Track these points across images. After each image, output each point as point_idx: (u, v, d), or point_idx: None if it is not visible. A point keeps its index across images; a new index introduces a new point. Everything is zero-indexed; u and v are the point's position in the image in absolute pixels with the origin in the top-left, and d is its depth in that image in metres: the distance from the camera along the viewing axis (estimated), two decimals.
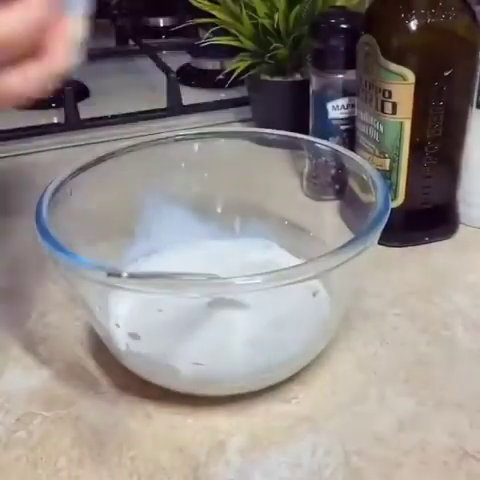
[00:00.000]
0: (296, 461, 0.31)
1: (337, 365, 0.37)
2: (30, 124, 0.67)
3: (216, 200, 0.45)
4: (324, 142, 0.41)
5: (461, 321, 0.40)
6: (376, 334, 0.39)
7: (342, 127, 0.51)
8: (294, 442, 0.32)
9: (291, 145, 0.43)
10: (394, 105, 0.43)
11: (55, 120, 0.69)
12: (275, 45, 0.56)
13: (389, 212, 0.33)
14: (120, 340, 0.35)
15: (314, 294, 0.37)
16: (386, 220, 0.33)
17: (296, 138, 0.42)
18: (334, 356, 0.38)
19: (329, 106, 0.50)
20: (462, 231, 0.49)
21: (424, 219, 0.47)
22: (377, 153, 0.45)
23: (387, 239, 0.45)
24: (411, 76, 0.42)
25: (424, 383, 0.36)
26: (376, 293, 0.43)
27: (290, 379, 0.36)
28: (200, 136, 0.44)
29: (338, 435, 0.33)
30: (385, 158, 0.45)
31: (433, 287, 0.43)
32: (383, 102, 0.43)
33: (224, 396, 0.35)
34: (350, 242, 0.31)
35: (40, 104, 0.74)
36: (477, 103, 0.45)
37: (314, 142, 0.41)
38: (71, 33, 0.27)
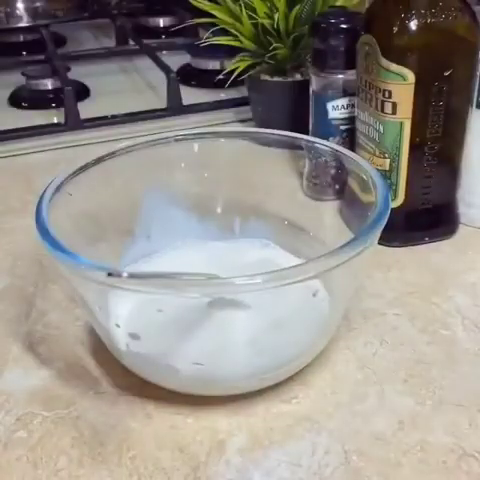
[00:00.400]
0: (296, 461, 0.31)
1: (337, 365, 0.37)
2: (30, 124, 0.67)
3: (216, 200, 0.45)
4: (324, 142, 0.41)
5: (461, 321, 0.40)
6: (376, 334, 0.39)
7: (342, 127, 0.51)
8: (294, 442, 0.33)
9: (291, 145, 0.43)
10: (394, 105, 0.43)
11: (55, 120, 0.69)
12: (275, 45, 0.56)
13: (389, 212, 0.33)
14: (120, 340, 0.35)
15: (314, 294, 0.37)
16: (386, 220, 0.33)
17: (296, 138, 0.42)
18: (334, 356, 0.38)
19: (329, 106, 0.50)
20: (462, 231, 0.49)
21: (424, 219, 0.47)
22: (377, 153, 0.45)
23: (387, 239, 0.46)
24: (411, 76, 0.42)
25: (424, 383, 0.36)
26: (376, 293, 0.43)
27: (290, 379, 0.36)
28: (200, 136, 0.44)
29: (338, 435, 0.33)
30: (385, 158, 0.45)
31: (433, 287, 0.43)
32: (383, 102, 0.43)
33: (224, 396, 0.35)
34: (350, 242, 0.31)
35: (40, 104, 0.74)
36: (477, 103, 0.45)
37: (314, 142, 0.41)
38: None
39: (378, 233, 0.32)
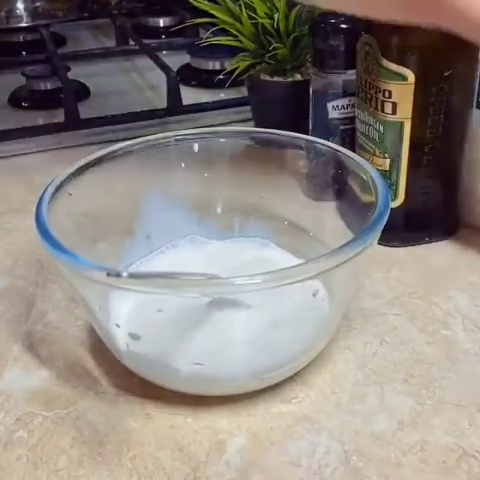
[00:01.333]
0: (296, 461, 0.31)
1: (337, 365, 0.37)
2: (30, 124, 0.67)
3: (216, 200, 0.45)
4: (324, 142, 0.41)
5: (461, 321, 0.40)
6: (376, 334, 0.39)
7: (342, 127, 0.51)
8: (294, 442, 0.33)
9: (291, 145, 0.43)
10: (394, 105, 0.43)
11: (55, 120, 0.69)
12: (275, 45, 0.56)
13: (389, 212, 0.33)
14: (120, 340, 0.35)
15: (314, 294, 0.37)
16: (386, 220, 0.33)
17: (296, 138, 0.42)
18: (334, 356, 0.38)
19: (329, 106, 0.50)
20: (462, 231, 0.49)
21: (424, 219, 0.47)
22: (377, 153, 0.45)
23: (387, 239, 0.46)
24: (411, 76, 0.42)
25: (424, 383, 0.36)
26: (376, 293, 0.43)
27: (290, 379, 0.36)
28: (200, 136, 0.44)
29: (338, 435, 0.33)
30: (385, 158, 0.45)
31: (433, 287, 0.43)
32: (383, 102, 0.43)
33: (224, 396, 0.35)
34: (350, 242, 0.31)
35: (40, 104, 0.74)
36: (477, 103, 0.45)
37: (314, 142, 0.41)
38: None
39: (378, 233, 0.32)
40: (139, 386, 0.36)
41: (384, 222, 0.32)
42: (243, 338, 0.35)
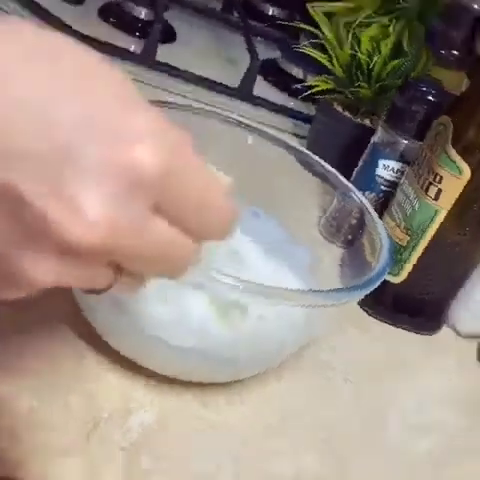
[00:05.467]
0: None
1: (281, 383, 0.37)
2: None
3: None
4: (358, 194, 0.41)
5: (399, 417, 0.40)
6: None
7: (383, 187, 0.51)
8: (197, 435, 0.33)
9: (329, 181, 0.43)
10: (439, 191, 0.43)
11: None
12: (361, 83, 0.56)
13: (377, 285, 0.33)
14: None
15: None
16: (372, 289, 0.33)
17: (337, 177, 0.42)
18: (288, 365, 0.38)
19: (381, 163, 0.50)
20: (441, 333, 0.49)
21: (415, 306, 0.47)
22: (402, 226, 0.45)
23: (377, 312, 0.46)
24: (468, 173, 0.42)
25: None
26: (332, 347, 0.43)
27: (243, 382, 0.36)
28: (254, 130, 0.44)
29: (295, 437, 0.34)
30: (407, 234, 0.45)
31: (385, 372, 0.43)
32: (430, 184, 0.43)
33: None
34: (334, 291, 0.32)
35: None
36: None
37: (350, 189, 0.42)
38: None
39: (362, 294, 0.33)
40: None
41: (372, 288, 0.33)
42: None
